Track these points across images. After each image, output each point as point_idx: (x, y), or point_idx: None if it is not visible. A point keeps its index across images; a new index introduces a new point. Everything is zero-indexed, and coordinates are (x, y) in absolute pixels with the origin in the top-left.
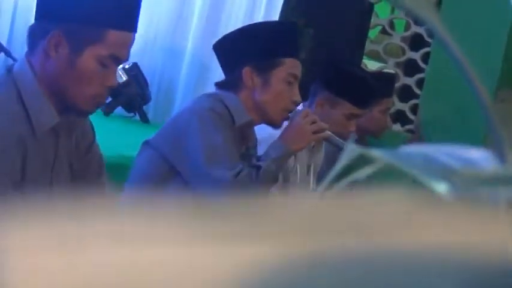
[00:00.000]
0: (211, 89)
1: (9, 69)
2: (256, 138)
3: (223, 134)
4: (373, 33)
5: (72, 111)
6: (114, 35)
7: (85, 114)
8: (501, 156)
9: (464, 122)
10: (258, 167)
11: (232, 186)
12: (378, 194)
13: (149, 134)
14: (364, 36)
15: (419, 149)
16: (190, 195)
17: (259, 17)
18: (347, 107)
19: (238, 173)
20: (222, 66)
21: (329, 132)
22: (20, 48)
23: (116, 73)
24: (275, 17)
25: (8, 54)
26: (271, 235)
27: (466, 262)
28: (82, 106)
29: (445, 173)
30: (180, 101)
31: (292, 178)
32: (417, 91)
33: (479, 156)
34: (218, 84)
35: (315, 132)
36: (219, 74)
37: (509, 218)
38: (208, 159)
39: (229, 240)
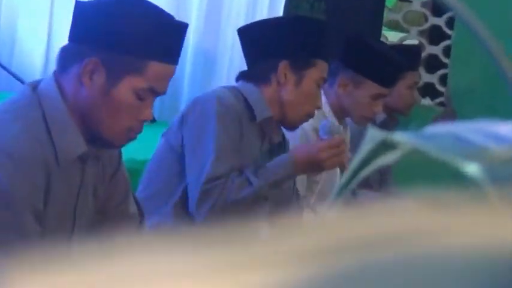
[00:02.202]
0: (217, 84)
1: (34, 87)
2: (283, 134)
3: (229, 129)
4: (390, 2)
5: (101, 142)
6: (155, 67)
7: (115, 147)
8: None
9: (499, 89)
10: (249, 182)
11: (204, 193)
12: (389, 202)
13: (157, 133)
14: (381, 5)
15: (447, 128)
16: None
17: (262, 6)
18: (373, 87)
19: (217, 177)
20: (247, 54)
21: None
22: None
23: (152, 106)
24: (280, 2)
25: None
26: (282, 260)
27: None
28: (113, 139)
29: (476, 153)
30: (186, 99)
31: None
32: (445, 60)
33: (508, 131)
34: (241, 75)
35: (328, 160)
36: (224, 70)
37: None
38: (215, 159)
39: (237, 269)
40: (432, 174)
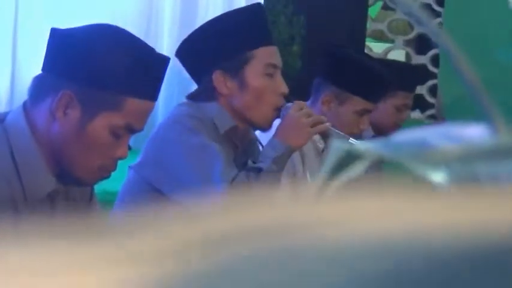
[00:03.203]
0: None
1: (0, 119)
2: (258, 147)
3: (209, 141)
4: (373, 11)
5: (71, 180)
6: (134, 103)
7: (85, 185)
8: (493, 128)
9: (492, 98)
10: (258, 169)
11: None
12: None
13: (133, 162)
14: (363, 15)
15: (414, 134)
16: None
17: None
18: (358, 102)
19: (234, 178)
20: (190, 75)
21: (329, 124)
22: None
23: (127, 144)
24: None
25: None
26: (156, 255)
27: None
28: (84, 177)
29: (439, 156)
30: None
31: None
32: (434, 70)
33: (475, 132)
34: (191, 97)
35: (313, 125)
36: None
37: None
38: (200, 178)
39: (110, 265)
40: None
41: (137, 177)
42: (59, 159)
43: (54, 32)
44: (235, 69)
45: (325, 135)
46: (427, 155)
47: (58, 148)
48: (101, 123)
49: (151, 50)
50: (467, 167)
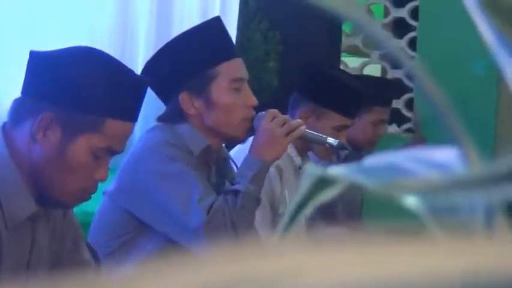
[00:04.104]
0: None
1: None
2: (231, 166)
3: (186, 167)
4: (348, 26)
5: (51, 202)
6: (114, 125)
7: (66, 208)
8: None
9: (468, 112)
10: (236, 192)
11: (208, 226)
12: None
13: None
14: (338, 31)
15: (385, 158)
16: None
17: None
18: (335, 118)
19: (210, 207)
20: (157, 96)
21: (304, 128)
22: None
23: (108, 166)
24: (232, 22)
25: None
26: None
27: None
28: (64, 200)
29: (406, 181)
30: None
31: (281, 208)
32: (409, 84)
33: (445, 157)
34: (161, 119)
35: (288, 133)
36: None
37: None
38: (179, 207)
39: None
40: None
41: (112, 204)
42: (38, 181)
43: (34, 55)
44: (201, 88)
45: (302, 153)
46: (403, 182)
47: (38, 170)
48: (82, 145)
49: (130, 71)
50: (443, 197)
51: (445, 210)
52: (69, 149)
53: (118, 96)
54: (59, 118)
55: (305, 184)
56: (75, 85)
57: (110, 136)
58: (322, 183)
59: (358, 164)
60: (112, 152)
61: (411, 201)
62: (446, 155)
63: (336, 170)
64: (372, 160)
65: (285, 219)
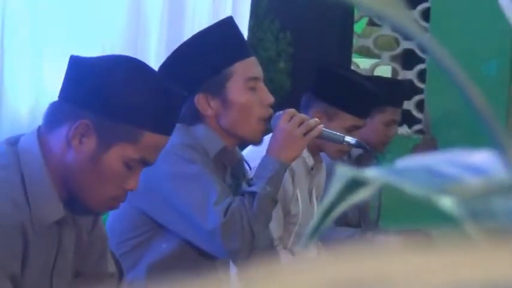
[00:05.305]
0: None
1: (12, 143)
2: (245, 167)
3: (202, 168)
4: (359, 27)
5: (80, 208)
6: (150, 137)
7: (94, 214)
8: (506, 160)
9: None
10: (253, 193)
11: (225, 228)
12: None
13: None
14: (349, 31)
15: (419, 161)
16: (179, 245)
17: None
18: (347, 119)
19: (227, 209)
20: None
21: (321, 127)
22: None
23: (139, 176)
24: (243, 23)
25: None
26: None
27: None
28: (93, 206)
29: (451, 186)
30: None
31: (293, 209)
32: (420, 85)
33: (483, 161)
34: (178, 120)
35: (306, 133)
36: None
37: None
38: (196, 209)
39: None
40: (417, 209)
41: (128, 205)
42: (69, 186)
43: (74, 60)
44: (217, 88)
45: (314, 153)
46: (445, 187)
47: (70, 176)
48: (116, 154)
49: (171, 85)
50: (484, 201)
51: (485, 215)
52: (103, 157)
53: (158, 110)
54: (96, 126)
55: (336, 185)
56: (116, 95)
57: (145, 148)
58: (354, 184)
59: (392, 165)
60: (145, 162)
61: (450, 205)
62: (483, 158)
63: (369, 172)
64: (405, 162)
65: (314, 220)
